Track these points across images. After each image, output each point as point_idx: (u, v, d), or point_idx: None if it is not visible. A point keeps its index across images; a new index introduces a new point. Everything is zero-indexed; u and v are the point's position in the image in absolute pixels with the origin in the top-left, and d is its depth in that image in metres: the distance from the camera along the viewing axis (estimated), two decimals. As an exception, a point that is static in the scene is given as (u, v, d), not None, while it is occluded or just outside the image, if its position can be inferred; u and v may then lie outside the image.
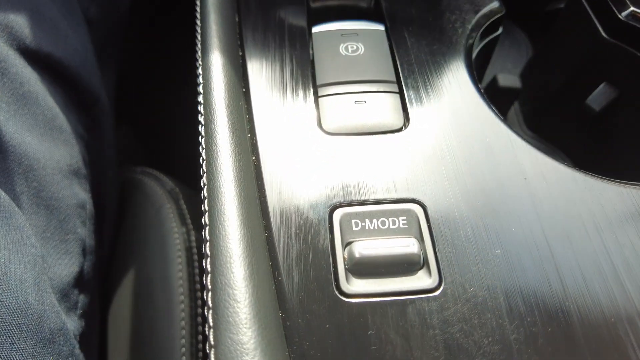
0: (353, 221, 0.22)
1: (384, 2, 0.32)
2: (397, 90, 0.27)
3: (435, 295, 0.20)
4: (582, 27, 0.35)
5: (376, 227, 0.22)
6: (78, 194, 0.37)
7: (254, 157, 0.24)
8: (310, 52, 0.29)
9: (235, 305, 0.18)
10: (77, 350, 0.30)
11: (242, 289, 0.18)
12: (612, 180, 0.24)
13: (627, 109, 0.33)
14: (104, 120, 0.43)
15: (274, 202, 0.22)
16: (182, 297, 0.38)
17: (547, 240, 0.21)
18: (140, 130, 0.60)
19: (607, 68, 0.34)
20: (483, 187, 0.23)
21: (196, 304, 0.38)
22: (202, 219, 0.21)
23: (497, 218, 0.22)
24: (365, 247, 0.20)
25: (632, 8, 0.31)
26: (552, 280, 0.20)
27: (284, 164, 0.23)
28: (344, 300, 0.20)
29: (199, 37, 0.28)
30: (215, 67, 0.25)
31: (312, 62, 0.28)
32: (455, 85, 0.27)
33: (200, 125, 0.24)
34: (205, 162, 0.22)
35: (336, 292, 0.20)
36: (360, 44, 0.29)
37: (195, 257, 0.40)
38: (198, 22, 0.29)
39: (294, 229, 0.21)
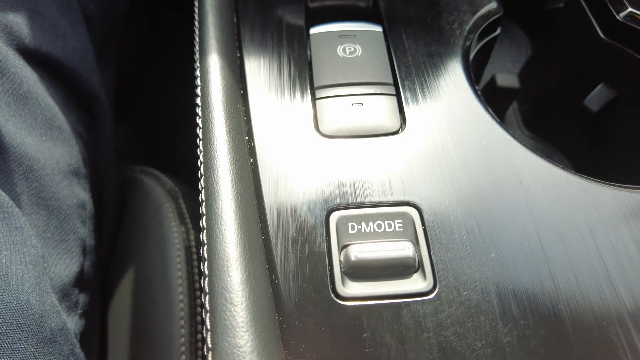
0: (349, 224, 0.22)
1: (382, 2, 0.32)
2: (394, 92, 0.27)
3: (429, 299, 0.20)
4: (580, 28, 0.35)
5: (372, 230, 0.22)
6: (78, 193, 0.37)
7: (251, 160, 0.24)
8: (308, 52, 0.29)
9: (232, 308, 0.18)
10: (78, 350, 0.31)
11: (239, 293, 0.18)
12: (607, 183, 0.24)
13: (625, 109, 0.33)
14: (103, 119, 0.43)
15: (271, 205, 0.22)
16: (181, 296, 0.38)
17: (541, 243, 0.22)
18: (139, 129, 0.60)
19: (605, 69, 0.34)
20: (478, 190, 0.23)
21: (195, 303, 0.38)
22: (200, 222, 0.21)
23: (492, 221, 0.22)
24: (361, 251, 0.21)
25: (630, 9, 0.31)
26: (545, 283, 0.20)
27: (281, 166, 0.24)
28: (339, 304, 0.20)
29: (197, 38, 0.28)
30: (213, 69, 0.25)
31: (310, 64, 0.28)
32: (452, 87, 0.27)
33: (198, 128, 0.24)
34: (203, 165, 0.22)
35: (332, 295, 0.20)
36: (357, 45, 0.29)
37: (195, 256, 0.40)
38: (196, 24, 0.29)
39: (290, 232, 0.22)
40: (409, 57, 0.29)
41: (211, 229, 0.20)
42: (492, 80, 0.41)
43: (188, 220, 0.42)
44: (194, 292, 0.39)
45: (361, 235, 0.22)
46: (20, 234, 0.30)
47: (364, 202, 0.23)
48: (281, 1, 0.32)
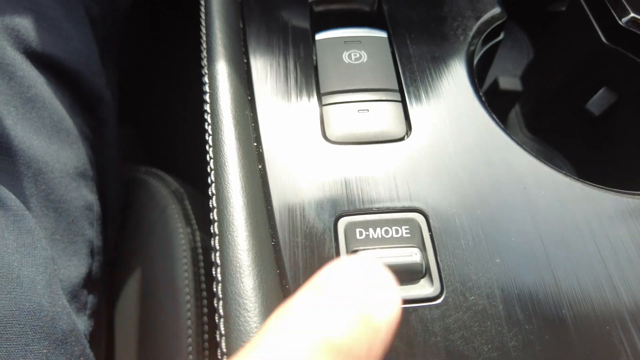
0: (357, 230, 0.22)
1: (386, 7, 0.32)
2: (399, 98, 0.27)
3: (437, 304, 0.20)
4: (582, 32, 0.35)
5: (380, 236, 0.22)
6: (85, 195, 0.37)
7: (260, 166, 0.25)
8: (314, 58, 0.29)
9: (245, 314, 0.18)
10: (88, 350, 0.31)
11: (252, 299, 0.19)
12: (608, 189, 0.24)
13: (626, 113, 0.34)
14: (108, 120, 0.44)
15: (280, 211, 0.23)
16: (188, 297, 0.38)
17: (545, 248, 0.22)
18: (143, 130, 0.60)
19: (607, 73, 0.34)
20: (483, 197, 0.23)
21: (202, 303, 0.39)
22: (211, 228, 0.22)
23: (497, 227, 0.23)
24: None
25: (632, 14, 0.31)
26: (548, 288, 0.21)
27: (289, 172, 0.24)
28: None
29: (204, 44, 0.28)
30: (222, 76, 0.26)
31: (316, 69, 0.29)
32: (456, 93, 0.28)
33: (207, 135, 0.24)
34: (213, 172, 0.23)
35: None
36: (363, 51, 0.29)
37: (201, 257, 0.41)
38: (203, 30, 0.29)
39: (300, 237, 0.22)
40: (413, 63, 0.29)
41: (223, 235, 0.21)
42: (495, 83, 0.42)
43: (194, 222, 0.43)
44: (200, 292, 0.39)
45: (369, 241, 0.22)
46: (31, 237, 0.30)
47: (372, 208, 0.23)
48: (286, 5, 0.32)
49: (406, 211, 0.23)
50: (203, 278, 0.40)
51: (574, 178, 0.24)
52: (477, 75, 0.30)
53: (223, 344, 0.18)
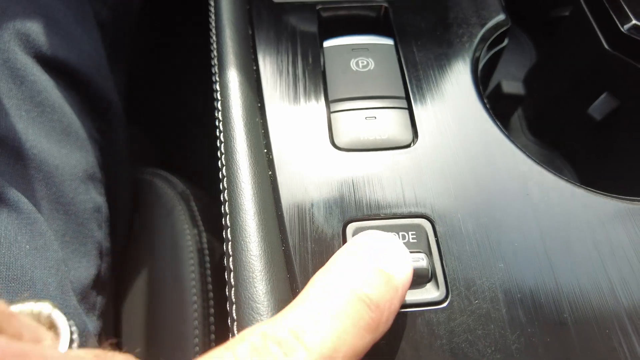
0: None
1: (392, 14, 0.33)
2: (406, 106, 0.28)
3: (442, 307, 0.21)
4: (585, 38, 0.35)
5: (387, 241, 0.23)
6: (94, 198, 0.38)
7: (270, 172, 0.25)
8: (322, 65, 0.30)
9: (259, 318, 0.19)
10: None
11: (265, 303, 0.19)
12: (610, 196, 0.25)
13: (628, 119, 0.34)
14: (116, 123, 0.44)
15: (290, 216, 0.23)
16: (194, 297, 0.39)
17: (547, 254, 0.23)
18: (149, 132, 0.61)
19: (608, 79, 0.35)
20: (488, 203, 0.24)
21: (208, 304, 0.39)
22: (224, 233, 0.22)
23: (501, 233, 0.23)
24: None
25: (634, 21, 0.32)
26: (551, 293, 0.22)
27: (298, 179, 0.25)
28: None
29: (214, 52, 0.29)
30: (233, 84, 0.26)
31: (324, 77, 0.29)
32: (461, 100, 0.28)
33: (219, 142, 0.25)
34: (225, 178, 0.23)
35: None
36: (370, 59, 0.30)
37: (207, 258, 0.42)
38: (213, 37, 0.30)
39: (309, 242, 0.23)
40: (419, 70, 0.29)
41: (236, 241, 0.21)
42: (498, 86, 0.42)
43: (200, 223, 0.43)
44: (207, 293, 0.40)
45: (377, 246, 0.23)
46: (43, 239, 0.31)
47: (379, 214, 0.24)
48: (294, 12, 0.33)
49: (413, 217, 0.23)
50: (209, 279, 0.40)
51: (576, 185, 0.25)
52: (481, 81, 0.31)
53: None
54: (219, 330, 0.39)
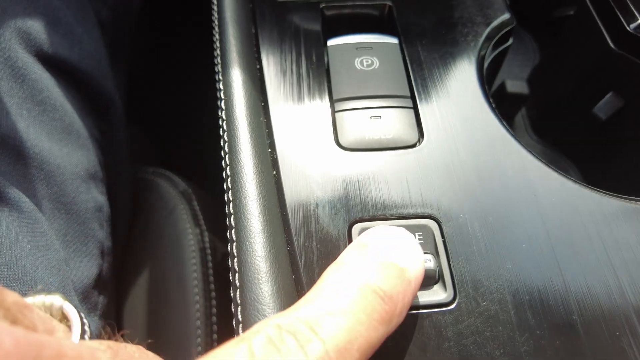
0: None
1: (396, 12, 0.33)
2: (411, 105, 0.27)
3: (450, 309, 0.21)
4: (590, 37, 0.35)
5: (393, 242, 0.22)
6: (96, 197, 0.38)
7: (274, 172, 0.25)
8: (326, 62, 0.30)
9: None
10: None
11: (271, 304, 0.19)
12: (616, 196, 0.25)
13: (633, 118, 0.34)
14: (117, 122, 0.44)
15: (294, 217, 0.23)
16: (197, 297, 0.39)
17: (555, 255, 0.22)
18: (149, 132, 0.60)
19: (614, 78, 0.34)
20: (494, 203, 0.24)
21: (211, 304, 0.39)
22: (228, 234, 0.22)
23: (508, 233, 0.23)
24: None
25: (640, 21, 0.31)
26: (559, 294, 0.21)
27: (303, 179, 0.24)
28: None
29: (217, 51, 0.29)
30: (236, 83, 0.26)
31: (328, 75, 0.29)
32: (467, 99, 0.28)
33: (223, 142, 0.25)
34: (230, 178, 0.23)
35: None
36: (375, 58, 0.29)
37: (209, 257, 0.41)
38: (216, 35, 0.29)
39: (314, 243, 0.22)
40: (424, 69, 0.29)
41: (241, 242, 0.21)
42: (502, 86, 0.42)
43: (202, 222, 0.43)
44: (209, 293, 0.40)
45: (383, 247, 0.22)
46: (44, 239, 0.31)
47: (385, 215, 0.23)
48: (297, 11, 0.32)
49: (419, 217, 0.23)
50: (212, 278, 0.40)
51: (583, 185, 0.25)
52: (486, 80, 0.31)
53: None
54: (222, 329, 0.38)
